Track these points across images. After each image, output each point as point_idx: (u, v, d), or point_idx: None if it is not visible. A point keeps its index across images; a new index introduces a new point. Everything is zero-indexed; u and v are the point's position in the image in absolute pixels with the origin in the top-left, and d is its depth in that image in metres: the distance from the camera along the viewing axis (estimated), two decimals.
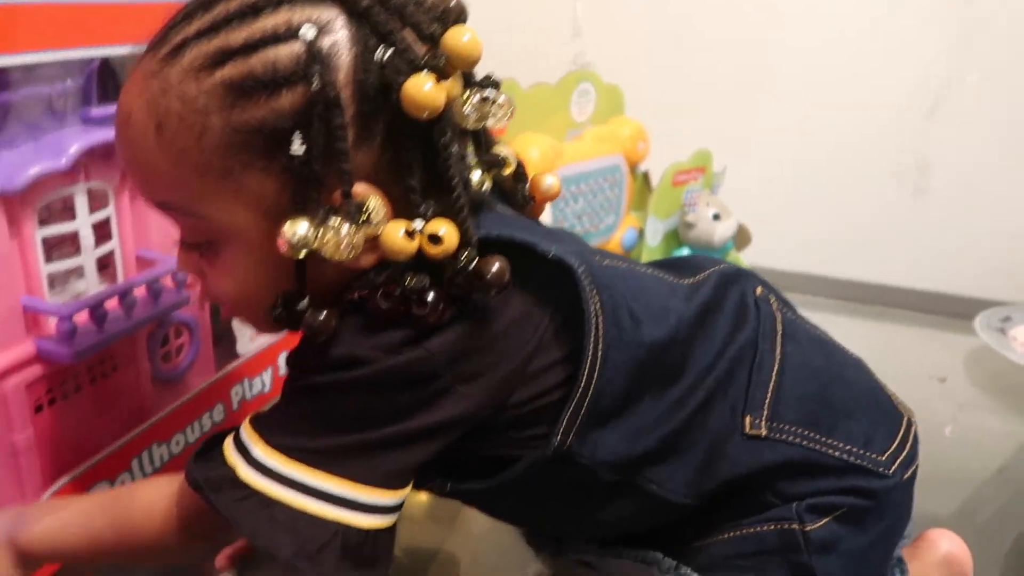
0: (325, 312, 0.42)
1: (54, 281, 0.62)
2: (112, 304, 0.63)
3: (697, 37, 1.35)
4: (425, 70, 0.39)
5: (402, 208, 0.42)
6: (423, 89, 0.38)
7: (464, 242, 0.41)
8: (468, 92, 0.42)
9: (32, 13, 0.52)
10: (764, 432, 0.49)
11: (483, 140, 0.48)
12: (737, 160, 1.22)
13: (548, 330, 0.46)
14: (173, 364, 0.75)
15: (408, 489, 0.44)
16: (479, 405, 0.44)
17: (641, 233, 1.15)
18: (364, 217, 0.40)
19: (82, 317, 0.60)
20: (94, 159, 0.61)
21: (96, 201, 0.63)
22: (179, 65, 0.40)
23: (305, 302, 0.42)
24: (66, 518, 0.51)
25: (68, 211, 0.61)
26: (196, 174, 0.41)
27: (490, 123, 0.44)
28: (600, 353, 0.44)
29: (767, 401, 0.49)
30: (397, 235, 0.40)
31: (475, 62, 0.41)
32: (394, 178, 0.42)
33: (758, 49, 1.32)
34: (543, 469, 0.46)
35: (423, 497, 0.73)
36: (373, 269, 0.42)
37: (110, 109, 0.62)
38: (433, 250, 0.41)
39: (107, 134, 0.60)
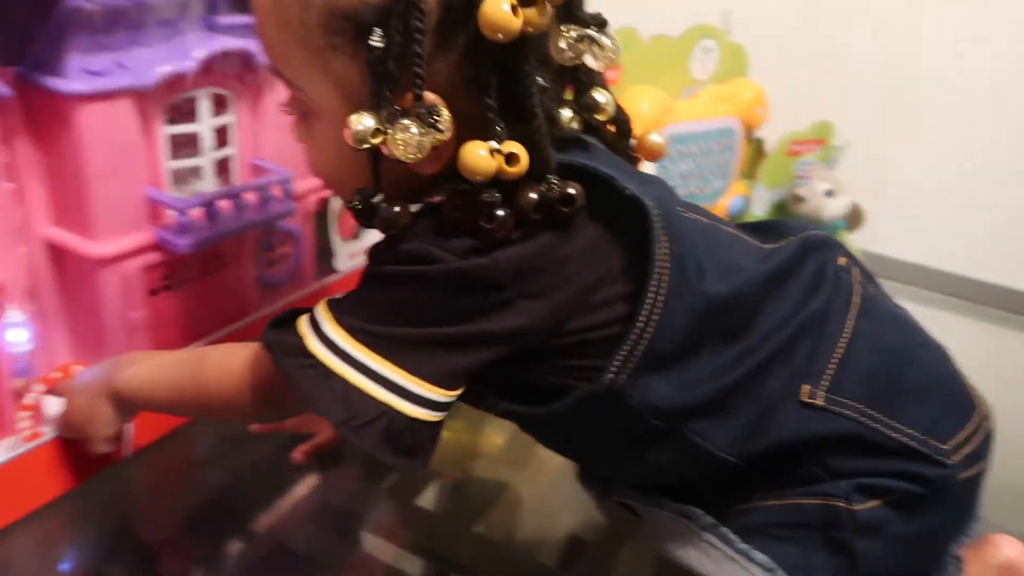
0: (399, 207, 0.44)
1: (176, 178, 0.67)
2: (225, 204, 0.67)
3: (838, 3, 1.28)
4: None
5: (474, 127, 0.42)
6: (499, 10, 0.39)
7: (542, 168, 0.42)
8: (566, 27, 0.42)
9: None
10: (821, 402, 0.48)
11: (582, 80, 0.48)
12: (861, 138, 1.16)
13: (616, 264, 0.46)
14: (276, 270, 0.80)
15: (456, 393, 0.46)
16: (536, 323, 0.45)
17: (748, 202, 1.12)
18: (433, 123, 0.41)
19: (197, 213, 0.65)
20: (218, 65, 0.65)
21: (218, 107, 0.68)
22: None
23: (379, 197, 0.45)
24: (154, 371, 0.56)
25: (192, 113, 0.65)
26: (298, 46, 0.44)
27: (590, 63, 0.43)
28: (661, 298, 0.44)
29: (829, 372, 0.48)
30: (478, 152, 0.41)
31: None
32: (469, 96, 0.42)
33: (903, 28, 1.23)
34: (592, 405, 0.47)
35: (499, 440, 0.76)
36: (446, 177, 0.44)
37: (237, 19, 0.66)
38: (509, 170, 0.41)
39: (232, 42, 0.64)
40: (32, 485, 0.60)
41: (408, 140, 0.41)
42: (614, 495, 0.58)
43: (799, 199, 1.10)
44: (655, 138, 0.52)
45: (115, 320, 0.64)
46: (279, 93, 0.72)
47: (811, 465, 0.48)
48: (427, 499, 0.69)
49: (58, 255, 0.62)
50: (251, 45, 0.66)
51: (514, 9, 0.39)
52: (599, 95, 0.48)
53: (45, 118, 0.58)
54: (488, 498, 0.70)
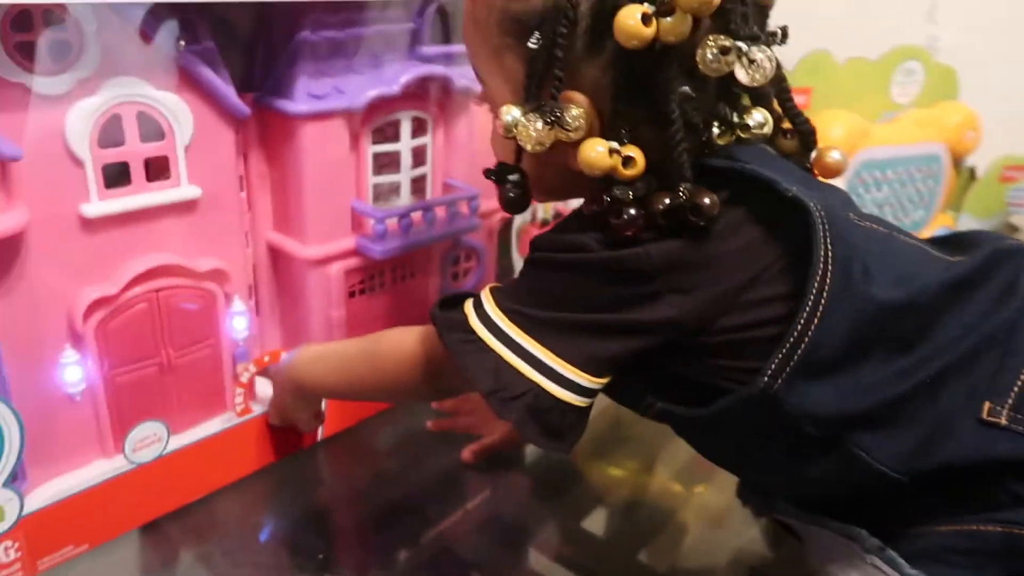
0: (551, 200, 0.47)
1: (377, 192, 0.74)
2: (417, 217, 0.73)
3: None
4: (645, 2, 0.41)
5: (611, 128, 0.45)
6: (629, 19, 0.40)
7: (675, 175, 0.43)
8: (715, 38, 0.42)
9: None
10: (1004, 421, 0.44)
11: (735, 95, 0.47)
12: None
13: (776, 265, 0.45)
14: (460, 283, 0.85)
15: (602, 381, 0.47)
16: (684, 316, 0.45)
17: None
18: (560, 120, 0.44)
19: (393, 224, 0.71)
20: (420, 91, 0.71)
21: (418, 129, 0.74)
22: None
23: (515, 176, 0.49)
24: (331, 357, 0.62)
25: (394, 134, 0.72)
26: (484, 44, 0.48)
27: (740, 77, 0.42)
28: (822, 301, 0.43)
29: (1015, 389, 0.44)
30: (595, 149, 0.44)
31: (704, 9, 0.40)
32: (612, 99, 0.45)
33: None
34: (747, 410, 0.46)
35: (670, 481, 0.75)
36: (600, 177, 0.46)
37: (437, 49, 0.73)
38: (624, 171, 0.44)
39: (432, 69, 0.71)
40: (240, 456, 0.68)
41: (531, 133, 0.44)
42: (774, 511, 0.56)
43: (1013, 229, 1.00)
44: (834, 155, 0.51)
45: (318, 316, 0.72)
46: (471, 117, 0.78)
47: (991, 488, 0.44)
48: (595, 521, 0.70)
49: (276, 256, 0.71)
50: (448, 72, 0.72)
51: (647, 19, 0.40)
52: (757, 114, 0.48)
53: (274, 135, 0.67)
54: (655, 525, 0.69)
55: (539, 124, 0.44)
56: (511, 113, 0.45)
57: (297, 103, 0.64)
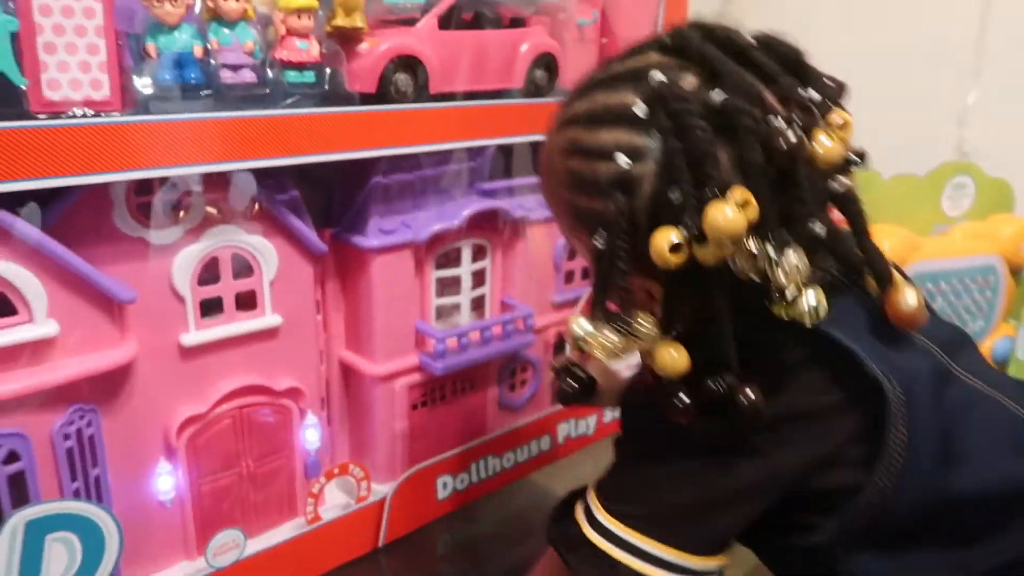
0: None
1: (440, 312, 0.80)
2: (475, 336, 0.79)
3: None
4: (678, 227, 0.41)
5: (667, 322, 0.45)
6: (660, 243, 0.41)
7: (719, 368, 0.44)
8: (759, 242, 0.41)
9: (457, 115, 0.71)
10: None
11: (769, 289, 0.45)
12: None
13: (853, 427, 0.45)
14: (516, 394, 0.90)
15: (726, 553, 0.47)
16: (778, 475, 0.45)
17: (1015, 343, 1.02)
18: (632, 331, 0.44)
19: (452, 342, 0.77)
20: (480, 221, 0.78)
21: (478, 254, 0.81)
22: (560, 137, 0.48)
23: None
24: None
25: (456, 260, 0.79)
26: (559, 215, 0.50)
27: (780, 280, 0.42)
28: (891, 482, 0.43)
29: None
30: (670, 354, 0.44)
31: (727, 240, 0.40)
32: (664, 298, 0.46)
33: None
34: (804, 556, 0.47)
35: None
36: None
37: (497, 184, 0.80)
38: (669, 366, 0.45)
39: (492, 203, 0.78)
40: (309, 561, 0.73)
41: (605, 344, 0.45)
42: None
43: None
44: (909, 300, 0.46)
45: (384, 428, 0.77)
46: (527, 241, 0.84)
47: None
48: None
49: (347, 372, 0.78)
50: (507, 204, 0.79)
51: (677, 247, 0.41)
52: (811, 293, 0.43)
53: (348, 266, 0.74)
54: None
55: (613, 337, 0.45)
56: (582, 327, 0.45)
57: (369, 238, 0.71)
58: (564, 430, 0.94)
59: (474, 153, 0.78)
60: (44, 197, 0.53)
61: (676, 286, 0.44)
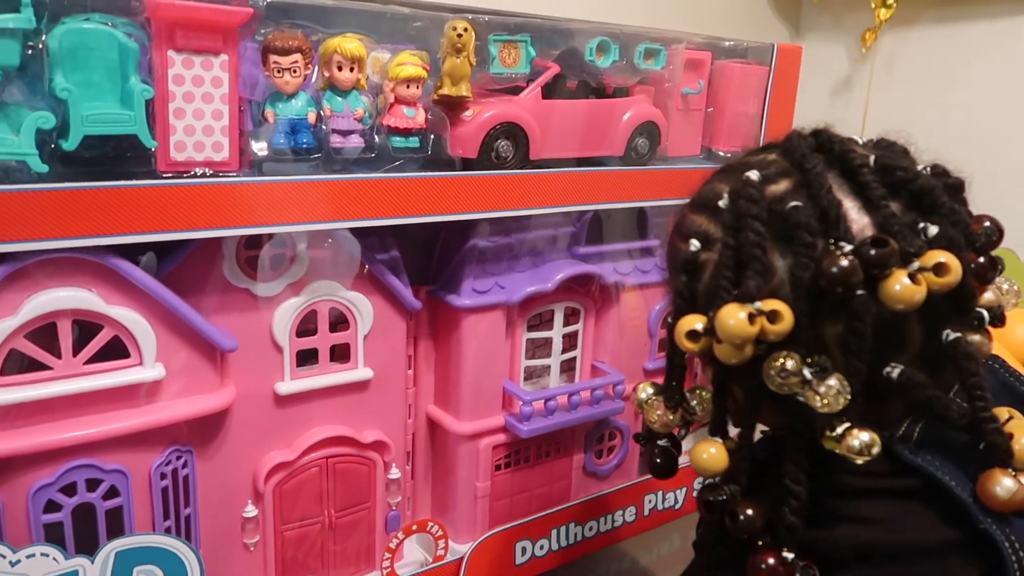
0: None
1: (528, 373, 0.80)
2: (563, 400, 0.78)
3: None
4: (703, 322, 0.43)
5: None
6: (683, 327, 0.43)
7: (784, 535, 0.43)
8: (777, 359, 0.41)
9: (556, 180, 0.72)
10: None
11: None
12: None
13: (959, 565, 0.43)
14: (603, 461, 0.88)
15: None
16: None
17: None
18: (686, 406, 0.48)
19: (539, 404, 0.76)
20: (574, 285, 0.78)
21: (570, 317, 0.80)
22: (677, 212, 0.51)
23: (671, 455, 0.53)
24: None
25: (548, 322, 0.79)
26: (667, 286, 0.52)
27: (815, 405, 0.40)
28: None
29: None
30: (707, 449, 0.46)
31: (734, 340, 0.40)
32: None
33: None
34: None
35: None
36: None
37: (593, 248, 0.80)
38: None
39: (586, 268, 0.77)
40: None
41: (656, 415, 0.50)
42: None
43: None
44: (1002, 488, 0.41)
45: (466, 487, 0.77)
46: (620, 307, 0.83)
47: None
48: None
49: (433, 428, 0.78)
50: (601, 270, 0.78)
51: (695, 335, 0.43)
52: (864, 435, 0.41)
53: (441, 323, 0.75)
54: None
55: (660, 411, 0.49)
56: (644, 392, 0.50)
57: (463, 298, 0.72)
58: (651, 501, 0.91)
59: (572, 218, 0.78)
60: (161, 247, 0.57)
61: (726, 380, 0.45)
